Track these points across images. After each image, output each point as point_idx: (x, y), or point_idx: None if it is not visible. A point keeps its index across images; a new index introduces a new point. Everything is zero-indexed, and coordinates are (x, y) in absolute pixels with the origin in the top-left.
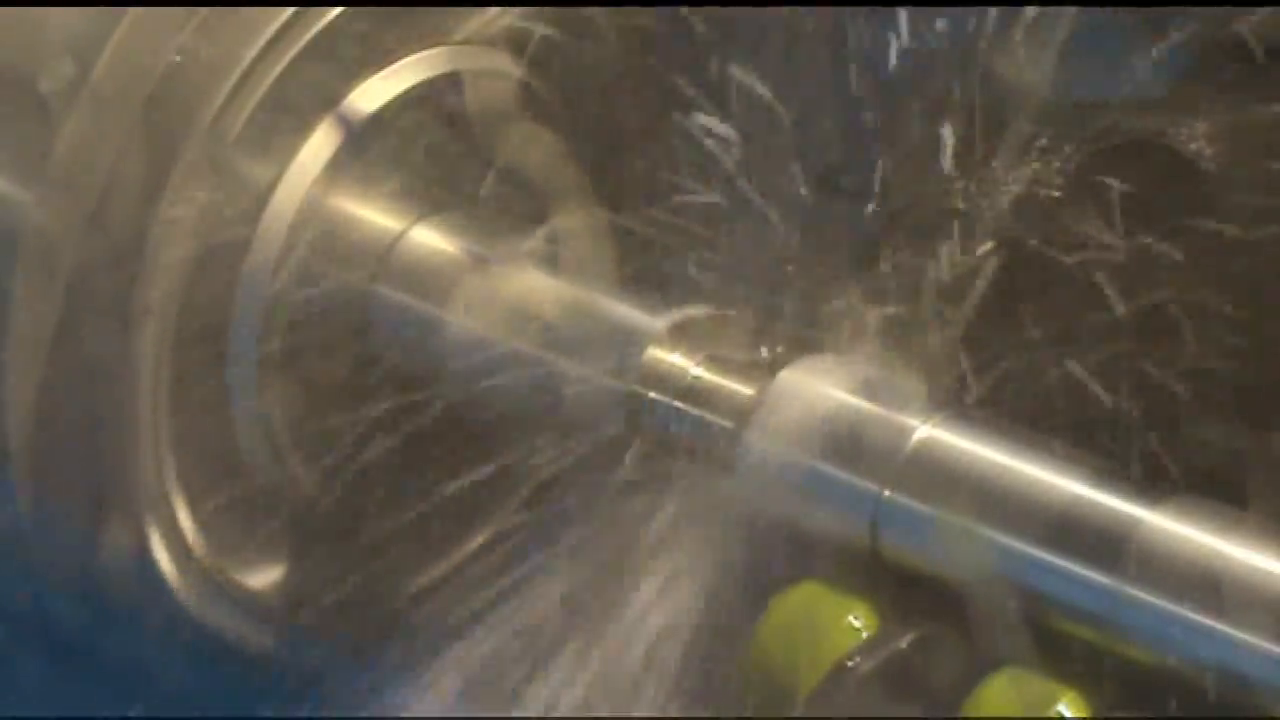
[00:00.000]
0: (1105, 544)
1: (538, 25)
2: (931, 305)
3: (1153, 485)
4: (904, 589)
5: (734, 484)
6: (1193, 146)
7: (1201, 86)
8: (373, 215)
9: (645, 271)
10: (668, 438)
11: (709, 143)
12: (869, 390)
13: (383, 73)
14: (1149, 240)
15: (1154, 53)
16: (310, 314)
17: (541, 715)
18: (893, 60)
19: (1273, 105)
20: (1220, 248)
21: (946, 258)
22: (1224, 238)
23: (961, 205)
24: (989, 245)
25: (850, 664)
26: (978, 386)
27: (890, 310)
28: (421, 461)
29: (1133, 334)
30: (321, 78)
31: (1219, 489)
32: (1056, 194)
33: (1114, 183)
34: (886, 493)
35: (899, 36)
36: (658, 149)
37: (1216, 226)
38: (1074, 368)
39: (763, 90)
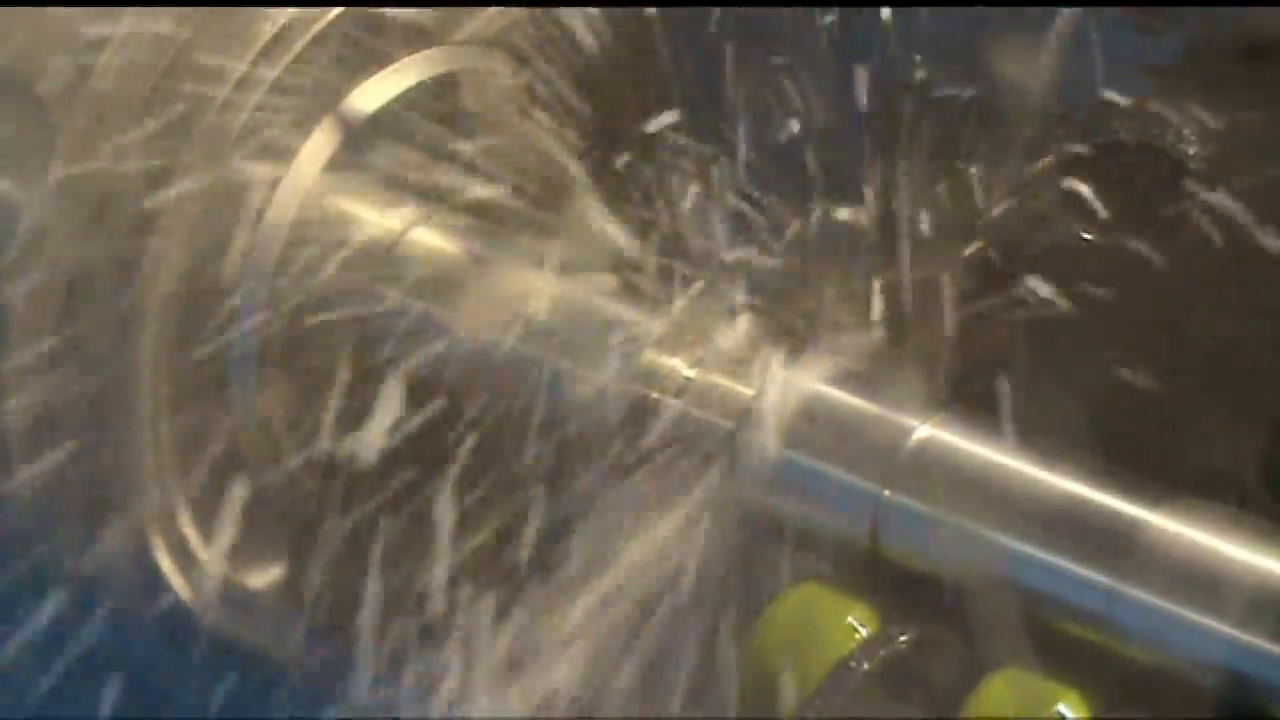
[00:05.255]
0: (1105, 544)
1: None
2: (928, 305)
3: (1153, 485)
4: (904, 589)
5: (734, 484)
6: (1181, 146)
7: (1191, 86)
8: (373, 215)
9: (645, 271)
10: (668, 438)
11: (708, 142)
12: (869, 390)
13: (383, 73)
14: (1135, 239)
15: (1143, 52)
16: (310, 314)
17: (541, 715)
18: (890, 61)
19: (1261, 105)
20: (1207, 247)
21: (943, 257)
22: (1211, 237)
23: (957, 205)
24: (978, 245)
25: (850, 664)
26: (973, 386)
27: (889, 310)
28: (421, 461)
29: (1118, 332)
30: (321, 78)
31: (1219, 489)
32: (1045, 193)
33: (1101, 182)
34: (886, 493)
35: (898, 37)
36: (658, 148)
37: (1203, 226)
38: (1065, 366)
39: (763, 91)
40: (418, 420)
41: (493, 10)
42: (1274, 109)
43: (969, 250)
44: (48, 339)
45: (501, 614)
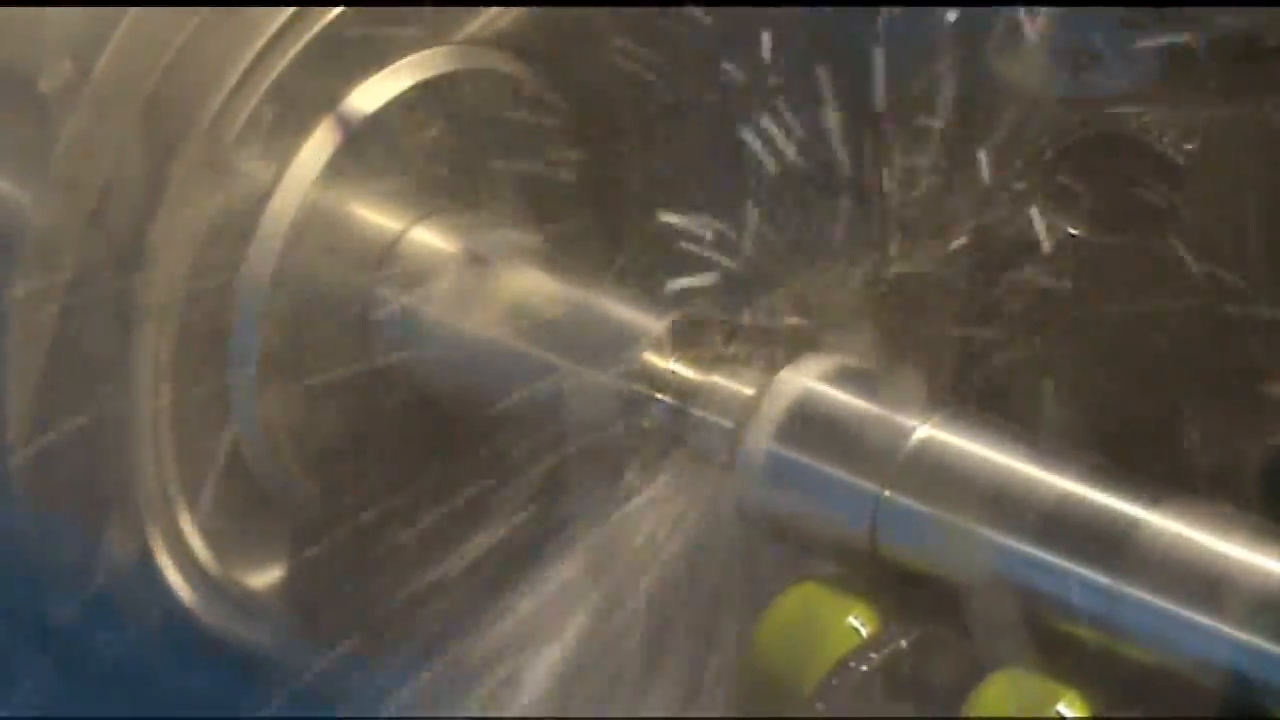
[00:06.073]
0: (1104, 543)
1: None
2: (925, 303)
3: (1153, 485)
4: (904, 589)
5: (734, 484)
6: (1166, 141)
7: (1177, 83)
8: (373, 215)
9: (645, 271)
10: (668, 438)
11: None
12: (868, 390)
13: (382, 73)
14: (1119, 235)
15: (1131, 49)
16: (310, 314)
17: (541, 715)
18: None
19: (1247, 103)
20: (1191, 243)
21: (941, 256)
22: (1195, 233)
23: (950, 200)
24: (964, 240)
25: (850, 664)
26: (966, 383)
27: (889, 308)
28: (421, 462)
29: (1105, 329)
30: (321, 78)
31: (1219, 489)
32: (1030, 189)
33: (1087, 177)
34: (886, 493)
35: (891, 33)
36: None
37: (1188, 223)
38: (1054, 363)
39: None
40: (417, 420)
41: (493, 10)
42: (1265, 106)
43: (955, 245)
44: (48, 338)
45: (499, 614)
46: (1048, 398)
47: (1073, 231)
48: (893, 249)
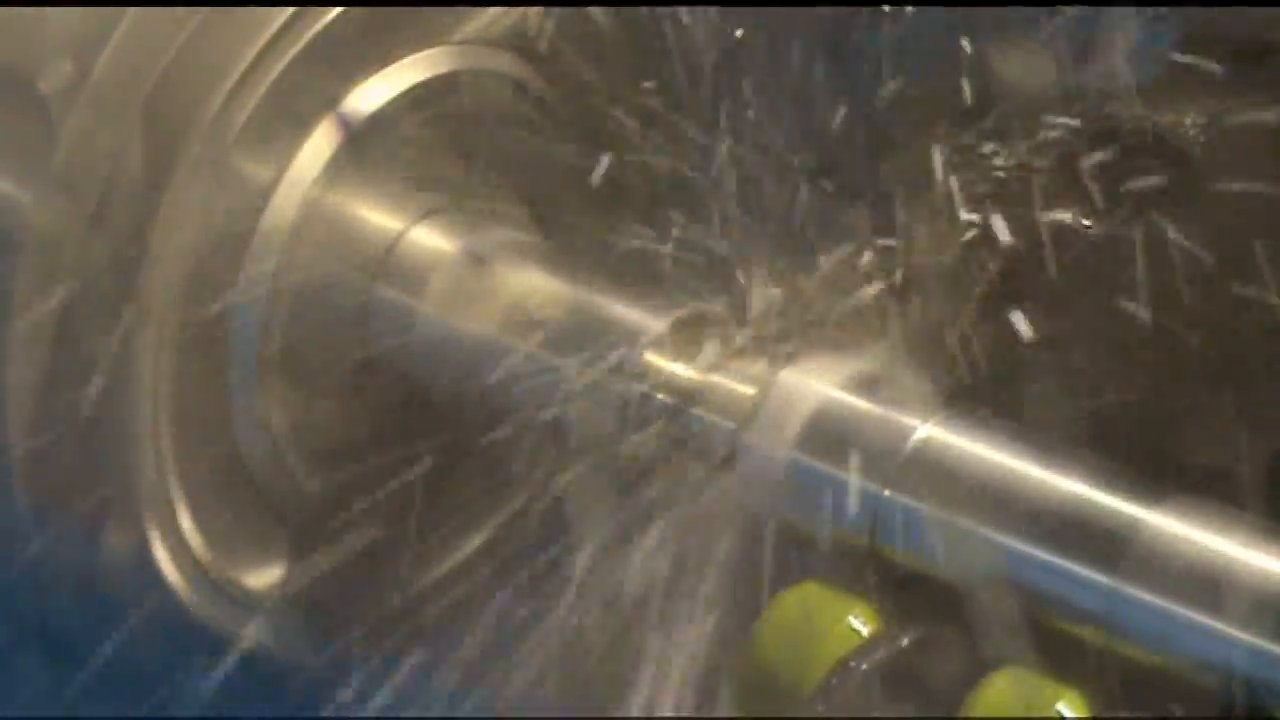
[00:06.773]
0: (1105, 544)
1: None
2: (929, 302)
3: (1153, 485)
4: (904, 589)
5: (734, 484)
6: (1183, 134)
7: (1194, 77)
8: (373, 215)
9: (645, 271)
10: (668, 438)
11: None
12: (869, 390)
13: (382, 73)
14: (1134, 227)
15: (1140, 44)
16: (310, 314)
17: (542, 715)
18: (883, 51)
19: (1258, 99)
20: (1205, 234)
21: (943, 252)
22: (1209, 224)
23: (954, 197)
24: (973, 234)
25: (850, 664)
26: (973, 380)
27: (889, 307)
28: (420, 461)
29: (1118, 322)
30: (321, 78)
31: (1219, 489)
32: (1044, 181)
33: (1101, 169)
34: (886, 493)
35: (891, 27)
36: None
37: (1202, 214)
38: (1062, 358)
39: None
40: (417, 420)
41: (494, 10)
42: (1272, 102)
43: (965, 238)
44: (48, 338)
45: (501, 615)
46: (1051, 394)
47: (1085, 222)
48: (900, 246)
